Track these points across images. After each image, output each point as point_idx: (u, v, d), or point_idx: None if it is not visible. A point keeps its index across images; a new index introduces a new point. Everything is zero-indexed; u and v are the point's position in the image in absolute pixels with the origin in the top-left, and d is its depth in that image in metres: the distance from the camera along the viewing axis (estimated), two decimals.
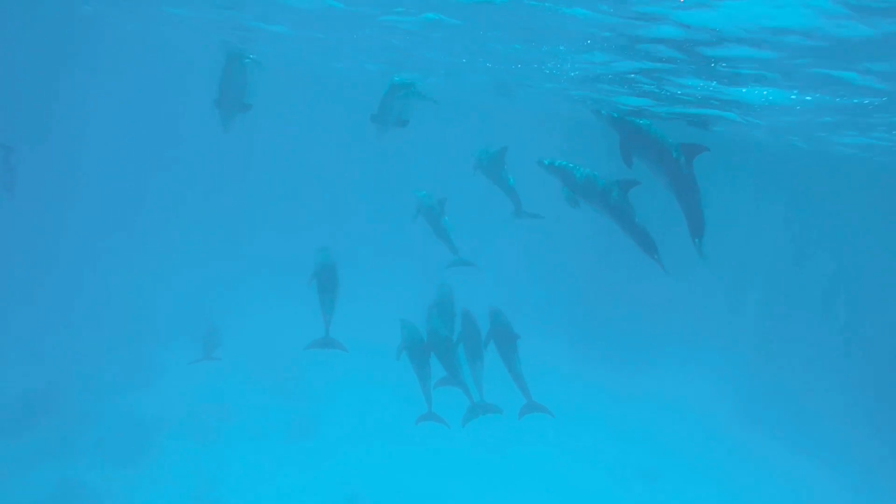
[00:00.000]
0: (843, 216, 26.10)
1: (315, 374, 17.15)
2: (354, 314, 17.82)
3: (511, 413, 10.60)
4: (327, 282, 10.73)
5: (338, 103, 26.90)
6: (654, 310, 25.11)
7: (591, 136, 13.75)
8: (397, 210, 12.79)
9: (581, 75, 12.63)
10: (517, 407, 10.57)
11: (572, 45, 10.45)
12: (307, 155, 36.66)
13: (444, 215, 11.52)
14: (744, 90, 11.13)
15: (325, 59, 17.48)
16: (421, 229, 11.89)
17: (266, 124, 27.31)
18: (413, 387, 10.32)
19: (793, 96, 11.11)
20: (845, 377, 20.98)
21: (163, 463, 13.26)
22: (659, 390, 19.45)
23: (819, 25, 7.16)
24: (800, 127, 14.50)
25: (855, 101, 10.73)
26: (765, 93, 11.09)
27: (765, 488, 15.61)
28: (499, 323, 10.57)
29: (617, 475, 15.13)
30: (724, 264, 27.27)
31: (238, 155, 32.20)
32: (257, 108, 10.91)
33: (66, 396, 14.72)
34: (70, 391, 14.90)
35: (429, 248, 12.42)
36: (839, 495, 15.97)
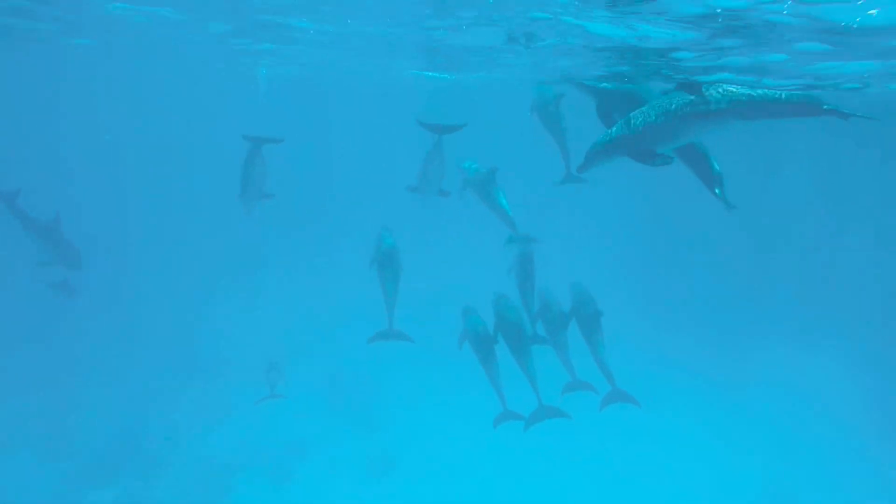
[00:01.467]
0: None
1: (388, 385, 16.24)
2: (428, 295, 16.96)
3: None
4: (389, 267, 10.04)
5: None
6: (761, 278, 22.45)
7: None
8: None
9: None
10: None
11: None
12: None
13: (496, 187, 10.39)
14: None
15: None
16: (473, 204, 10.79)
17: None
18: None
19: None
20: None
21: None
22: (773, 376, 17.09)
23: None
24: None
25: None
26: None
27: None
28: (581, 300, 9.53)
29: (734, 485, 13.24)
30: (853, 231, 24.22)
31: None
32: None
33: (143, 442, 14.49)
34: (146, 436, 14.66)
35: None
36: None
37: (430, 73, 17.40)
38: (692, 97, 6.51)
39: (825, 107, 6.01)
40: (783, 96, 6.18)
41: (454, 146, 10.83)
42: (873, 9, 7.44)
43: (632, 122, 6.97)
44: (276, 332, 18.19)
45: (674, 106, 6.65)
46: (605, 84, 9.95)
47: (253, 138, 10.83)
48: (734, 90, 6.35)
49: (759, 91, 6.23)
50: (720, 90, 6.40)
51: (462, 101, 20.09)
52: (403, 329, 10.42)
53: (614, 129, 7.14)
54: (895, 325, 18.85)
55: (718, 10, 7.83)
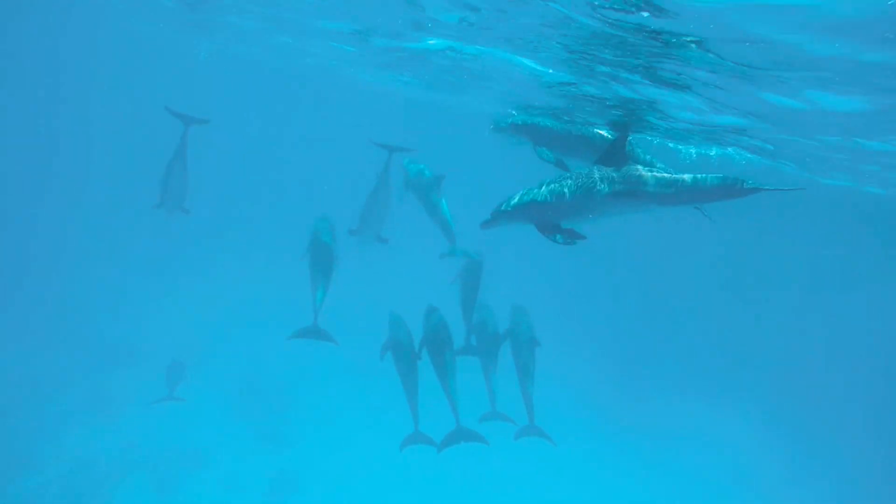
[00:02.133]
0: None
1: (302, 396, 15.14)
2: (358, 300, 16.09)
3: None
4: (322, 259, 9.21)
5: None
6: (681, 332, 22.92)
7: None
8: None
9: None
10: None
11: None
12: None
13: (440, 195, 9.73)
14: None
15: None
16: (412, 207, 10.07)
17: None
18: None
19: None
20: None
21: None
22: (681, 425, 17.14)
23: None
24: None
25: None
26: None
27: None
28: (519, 325, 9.20)
29: None
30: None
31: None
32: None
33: (12, 426, 12.79)
34: (18, 419, 12.96)
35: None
36: None
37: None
38: (613, 175, 6.21)
39: (747, 185, 6.00)
40: (707, 180, 6.08)
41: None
42: None
43: (543, 190, 6.44)
44: (191, 328, 16.82)
45: (590, 182, 6.24)
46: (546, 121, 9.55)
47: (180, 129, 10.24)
48: (656, 174, 6.16)
49: (685, 175, 6.13)
50: (640, 172, 6.18)
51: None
52: (329, 329, 9.43)
53: (523, 194, 6.55)
54: (802, 389, 19.63)
55: None
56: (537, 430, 9.35)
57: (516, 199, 6.54)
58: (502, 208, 6.62)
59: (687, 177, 6.14)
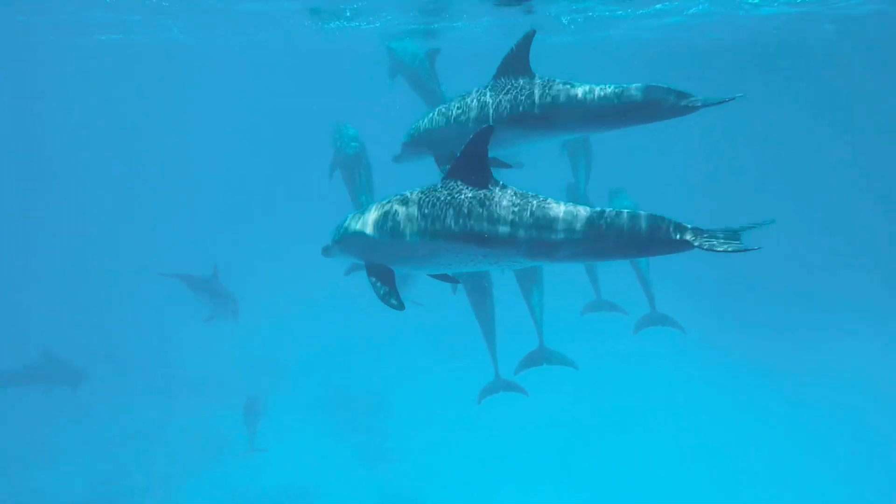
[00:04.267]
0: None
1: (397, 400, 13.77)
2: None
3: None
4: (356, 166, 8.02)
5: None
6: (827, 265, 20.07)
7: None
8: None
9: None
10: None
11: None
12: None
13: (434, 73, 8.44)
14: None
15: None
16: None
17: None
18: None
19: None
20: None
21: None
22: (838, 369, 14.88)
23: None
24: None
25: None
26: None
27: None
28: (619, 202, 8.50)
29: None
30: None
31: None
32: None
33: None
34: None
35: None
36: None
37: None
38: (462, 202, 3.83)
39: (673, 231, 3.66)
40: (617, 222, 3.67)
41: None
42: None
43: (369, 218, 4.26)
44: (253, 352, 15.66)
45: (424, 214, 3.94)
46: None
47: None
48: (541, 204, 3.75)
49: (579, 209, 3.73)
50: (510, 200, 3.78)
51: None
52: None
53: (354, 218, 4.52)
54: None
55: None
56: (662, 317, 8.52)
57: (345, 226, 4.50)
58: (335, 236, 4.64)
59: (584, 212, 3.67)
